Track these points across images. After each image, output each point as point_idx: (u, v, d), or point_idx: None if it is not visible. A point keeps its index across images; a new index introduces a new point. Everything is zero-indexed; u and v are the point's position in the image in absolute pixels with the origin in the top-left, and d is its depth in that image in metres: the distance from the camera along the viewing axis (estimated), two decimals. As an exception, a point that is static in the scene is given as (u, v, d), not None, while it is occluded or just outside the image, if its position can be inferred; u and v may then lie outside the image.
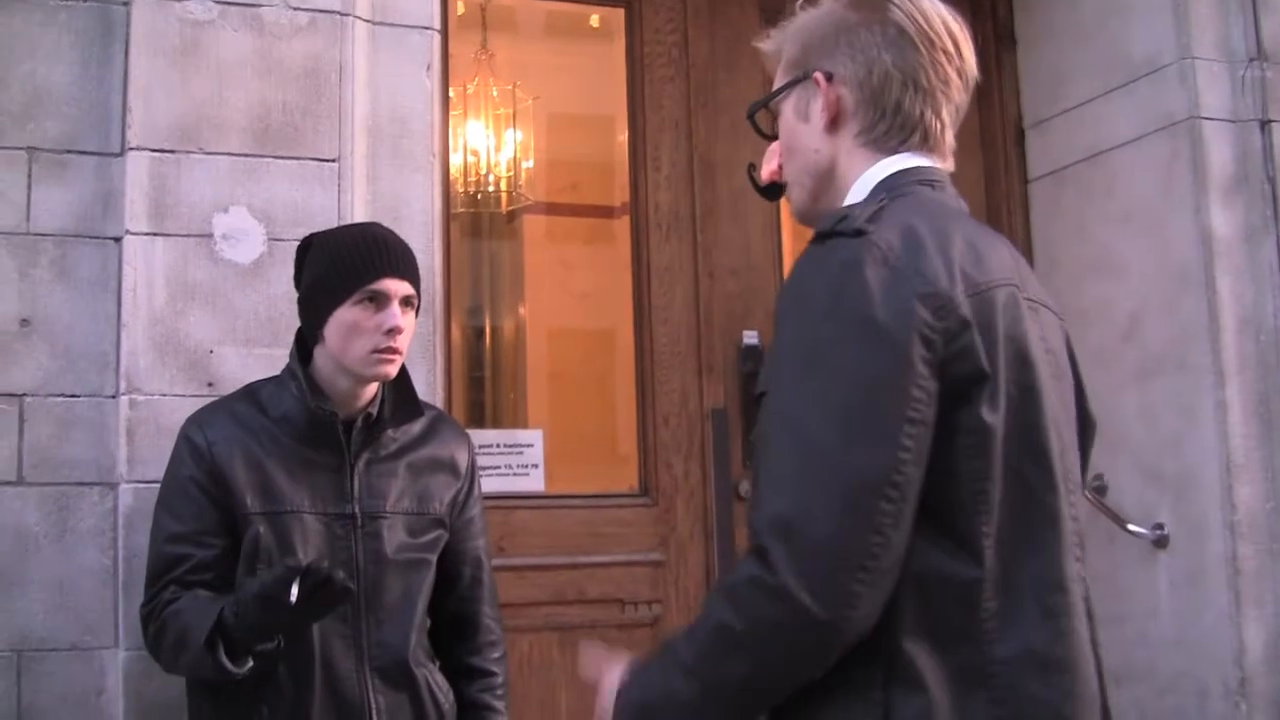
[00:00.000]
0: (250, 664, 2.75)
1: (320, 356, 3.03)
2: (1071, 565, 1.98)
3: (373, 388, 3.07)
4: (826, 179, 2.18)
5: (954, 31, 2.14)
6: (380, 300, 2.96)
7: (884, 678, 1.82)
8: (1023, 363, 1.97)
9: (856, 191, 2.11)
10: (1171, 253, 4.41)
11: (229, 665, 2.71)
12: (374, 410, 3.06)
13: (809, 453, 1.80)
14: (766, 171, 2.35)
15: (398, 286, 2.98)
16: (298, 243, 3.12)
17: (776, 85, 2.26)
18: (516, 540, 4.27)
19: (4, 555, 3.31)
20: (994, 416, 1.89)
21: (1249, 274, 4.32)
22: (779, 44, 2.27)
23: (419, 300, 3.08)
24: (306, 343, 3.07)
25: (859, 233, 1.91)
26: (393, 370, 3.02)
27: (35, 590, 3.32)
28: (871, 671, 1.84)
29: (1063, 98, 4.91)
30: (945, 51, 2.12)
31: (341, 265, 2.98)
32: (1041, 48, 5.02)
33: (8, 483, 3.33)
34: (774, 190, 2.35)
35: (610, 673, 2.04)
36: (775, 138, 2.31)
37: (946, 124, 2.16)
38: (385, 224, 3.21)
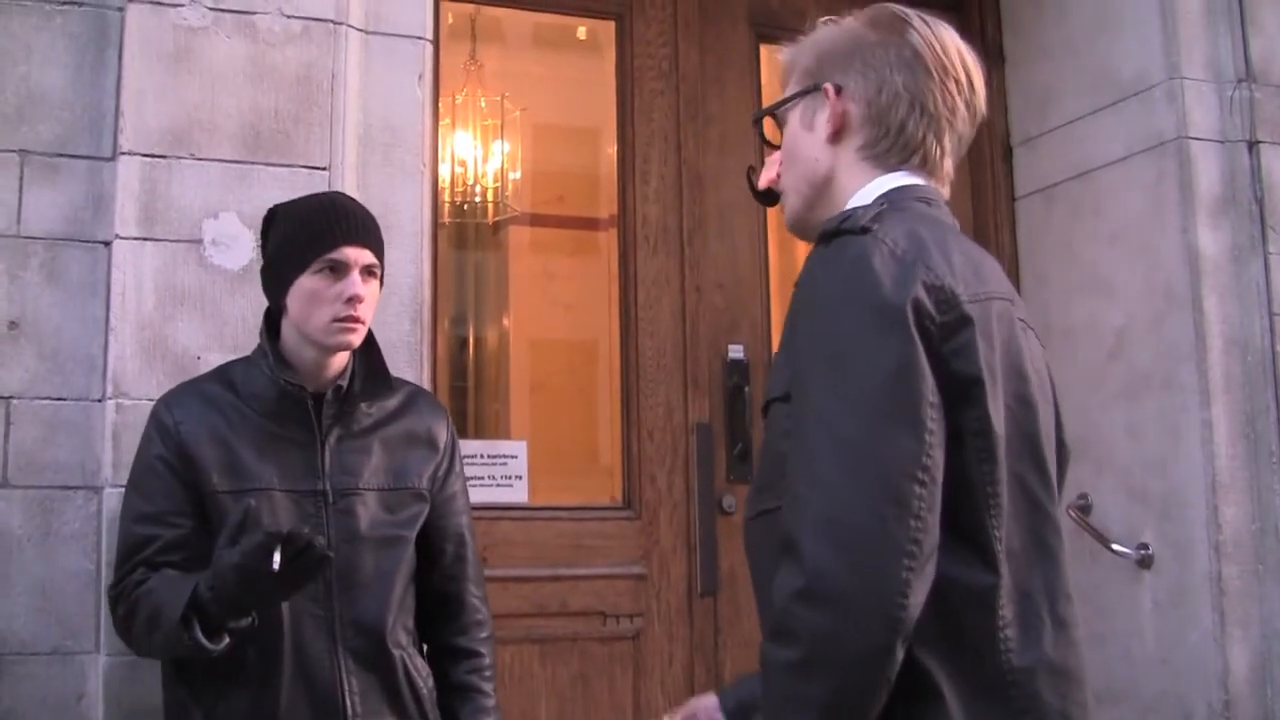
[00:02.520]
0: (227, 640, 2.69)
1: (286, 328, 3.02)
2: (1071, 575, 2.00)
3: (341, 360, 3.05)
4: (824, 189, 2.21)
5: (968, 64, 2.20)
6: (340, 269, 2.94)
7: (901, 688, 1.80)
8: (1019, 375, 2.00)
9: (853, 204, 2.13)
10: (1159, 272, 4.42)
11: (205, 642, 2.65)
12: (344, 383, 3.03)
13: (841, 446, 1.80)
14: (765, 178, 2.37)
15: (358, 255, 2.96)
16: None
17: (786, 94, 2.29)
18: (499, 551, 4.25)
19: (-13, 558, 3.30)
20: (998, 419, 1.91)
21: (1236, 294, 4.33)
22: (795, 56, 2.30)
23: (382, 270, 3.06)
24: (275, 318, 3.06)
25: (864, 230, 1.94)
26: (355, 339, 2.99)
27: (17, 593, 3.30)
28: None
29: (1051, 115, 4.92)
30: (957, 81, 2.17)
31: (302, 234, 2.98)
32: (1030, 65, 5.04)
33: (-8, 485, 3.33)
34: (769, 196, 2.37)
35: None
36: (778, 147, 2.33)
37: (947, 150, 2.20)
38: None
